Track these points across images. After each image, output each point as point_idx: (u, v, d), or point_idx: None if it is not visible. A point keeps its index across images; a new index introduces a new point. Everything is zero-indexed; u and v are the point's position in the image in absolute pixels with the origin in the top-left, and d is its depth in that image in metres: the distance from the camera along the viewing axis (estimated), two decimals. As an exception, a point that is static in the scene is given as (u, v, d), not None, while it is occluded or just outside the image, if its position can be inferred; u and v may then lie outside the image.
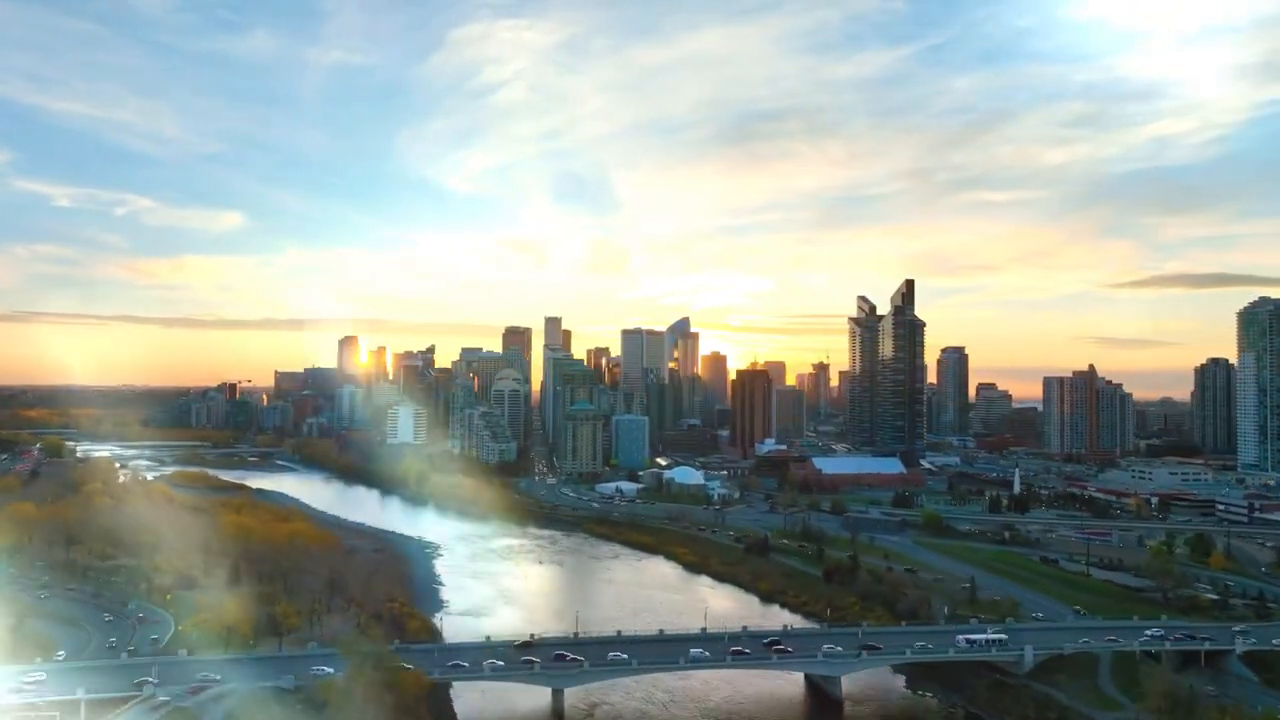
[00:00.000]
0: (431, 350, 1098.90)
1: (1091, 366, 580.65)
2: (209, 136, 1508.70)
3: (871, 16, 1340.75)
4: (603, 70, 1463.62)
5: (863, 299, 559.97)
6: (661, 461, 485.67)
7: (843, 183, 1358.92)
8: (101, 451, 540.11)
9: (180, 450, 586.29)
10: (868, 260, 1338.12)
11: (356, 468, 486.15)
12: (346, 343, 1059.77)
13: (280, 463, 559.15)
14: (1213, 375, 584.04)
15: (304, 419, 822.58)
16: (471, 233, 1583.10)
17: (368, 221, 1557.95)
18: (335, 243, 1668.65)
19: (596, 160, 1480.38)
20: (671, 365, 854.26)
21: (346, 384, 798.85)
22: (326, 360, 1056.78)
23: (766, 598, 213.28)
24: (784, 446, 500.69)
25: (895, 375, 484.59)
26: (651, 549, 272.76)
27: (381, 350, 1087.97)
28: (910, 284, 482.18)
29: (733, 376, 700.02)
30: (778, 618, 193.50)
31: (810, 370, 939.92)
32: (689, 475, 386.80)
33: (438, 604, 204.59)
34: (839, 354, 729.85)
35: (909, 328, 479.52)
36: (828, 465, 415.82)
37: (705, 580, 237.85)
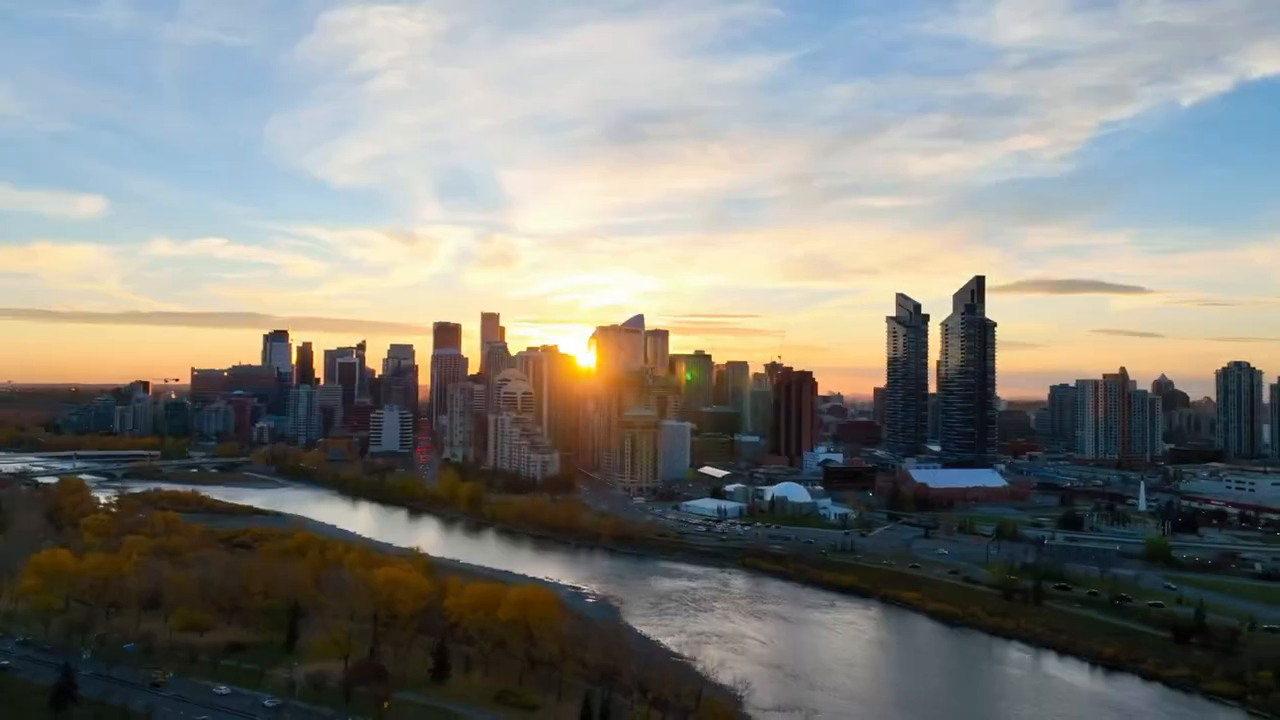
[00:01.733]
0: (362, 347, 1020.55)
1: (1123, 369, 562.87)
2: (54, 115, 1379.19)
3: (750, 22, 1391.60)
4: (484, 63, 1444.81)
5: (903, 297, 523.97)
6: (715, 472, 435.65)
7: (727, 185, 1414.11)
8: (12, 466, 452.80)
9: (122, 461, 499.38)
10: (753, 262, 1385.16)
11: (362, 483, 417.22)
12: (276, 339, 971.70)
13: (253, 475, 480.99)
14: (1235, 379, 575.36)
15: (249, 423, 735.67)
16: (353, 226, 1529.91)
17: (239, 211, 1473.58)
18: (205, 232, 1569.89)
19: (481, 155, 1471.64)
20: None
21: (301, 385, 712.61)
22: (246, 357, 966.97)
23: (1111, 666, 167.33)
24: (838, 456, 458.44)
25: (964, 379, 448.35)
26: (863, 591, 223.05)
27: (308, 346, 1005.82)
28: (980, 281, 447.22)
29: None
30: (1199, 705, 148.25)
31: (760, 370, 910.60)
32: (798, 492, 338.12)
33: (712, 688, 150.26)
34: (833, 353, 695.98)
35: (979, 328, 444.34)
36: (932, 478, 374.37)
37: (981, 637, 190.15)
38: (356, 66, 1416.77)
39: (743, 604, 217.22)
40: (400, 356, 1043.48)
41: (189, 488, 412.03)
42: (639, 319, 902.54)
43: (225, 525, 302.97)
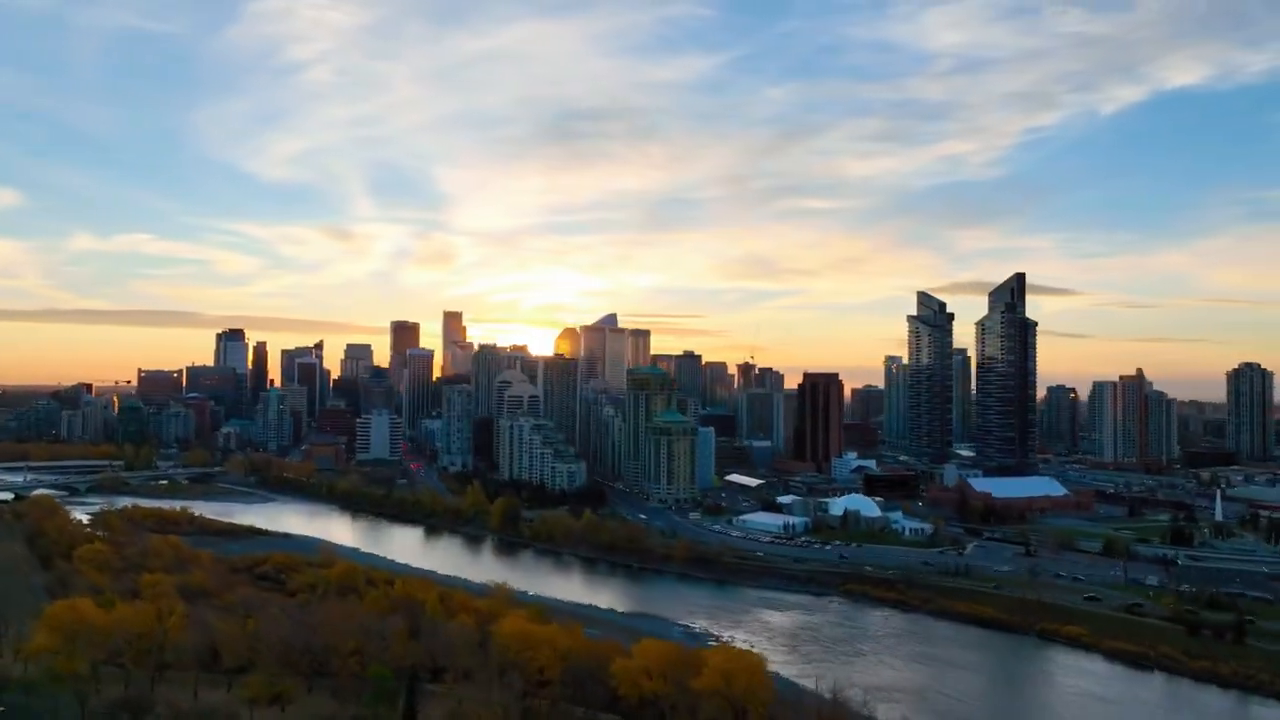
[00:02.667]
0: (320, 346, 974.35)
1: (1139, 371, 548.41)
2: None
3: (684, 22, 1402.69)
4: (415, 58, 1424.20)
5: (926, 296, 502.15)
6: (746, 481, 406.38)
7: (665, 185, 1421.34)
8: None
9: (82, 473, 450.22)
10: (693, 262, 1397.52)
11: (363, 496, 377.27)
12: (231, 338, 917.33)
13: (231, 486, 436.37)
14: (1248, 380, 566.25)
15: (210, 428, 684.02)
16: (286, 222, 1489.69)
17: (165, 205, 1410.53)
18: (129, 227, 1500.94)
19: (416, 151, 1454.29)
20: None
21: (271, 387, 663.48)
22: (183, 356, 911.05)
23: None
24: (871, 462, 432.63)
25: (1003, 379, 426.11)
26: (1007, 625, 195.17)
27: (262, 346, 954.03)
28: (1020, 279, 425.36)
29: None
30: None
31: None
32: (867, 506, 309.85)
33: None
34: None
35: (1020, 327, 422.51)
36: (995, 488, 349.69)
37: (1186, 683, 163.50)
38: (284, 58, 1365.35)
39: (887, 644, 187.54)
40: (358, 357, 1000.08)
41: (167, 503, 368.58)
42: (612, 318, 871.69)
43: (233, 550, 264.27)
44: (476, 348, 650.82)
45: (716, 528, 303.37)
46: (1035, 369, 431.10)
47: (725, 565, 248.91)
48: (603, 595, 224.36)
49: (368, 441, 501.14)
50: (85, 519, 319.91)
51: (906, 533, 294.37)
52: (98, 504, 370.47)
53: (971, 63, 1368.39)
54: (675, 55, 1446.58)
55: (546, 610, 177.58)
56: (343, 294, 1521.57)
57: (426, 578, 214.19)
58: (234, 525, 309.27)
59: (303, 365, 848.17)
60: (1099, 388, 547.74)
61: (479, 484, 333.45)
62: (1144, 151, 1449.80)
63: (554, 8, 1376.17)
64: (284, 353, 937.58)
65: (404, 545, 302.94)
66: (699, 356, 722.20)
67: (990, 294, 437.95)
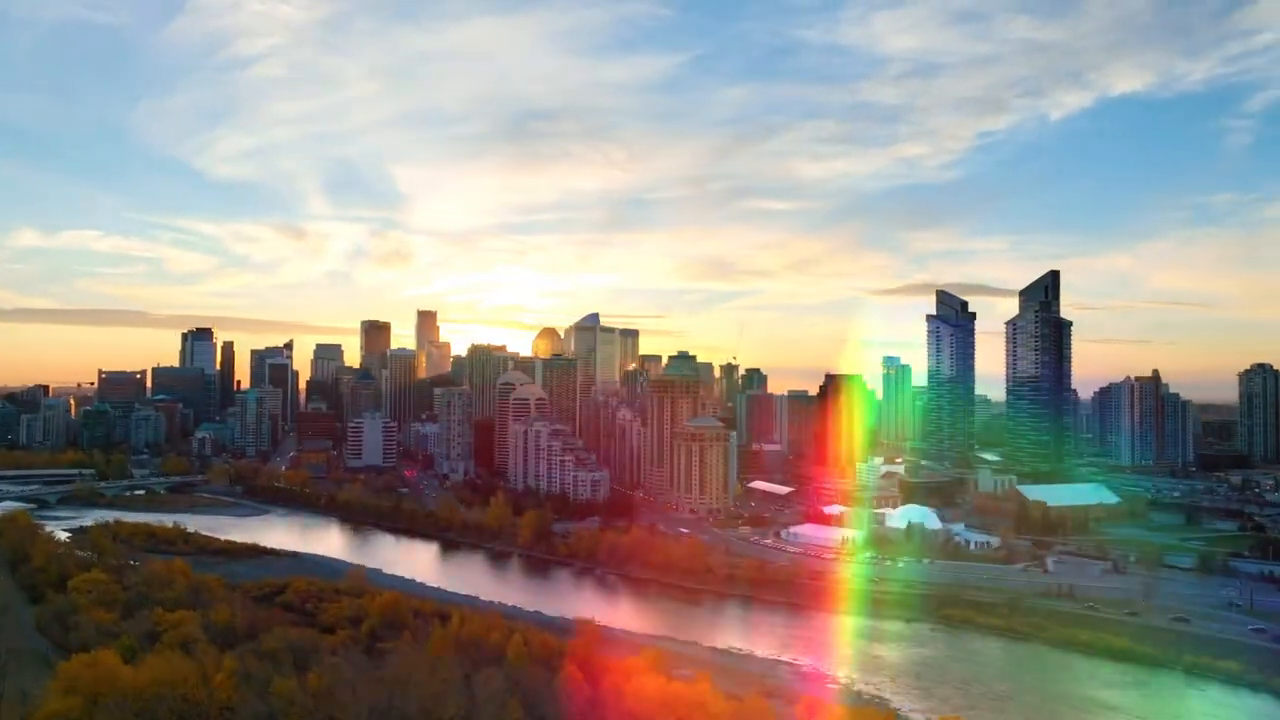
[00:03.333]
0: (289, 346, 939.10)
1: (1156, 372, 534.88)
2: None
3: (641, 21, 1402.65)
4: (368, 54, 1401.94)
5: (946, 294, 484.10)
6: (773, 488, 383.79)
7: (625, 186, 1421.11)
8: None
9: (51, 483, 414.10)
10: (652, 262, 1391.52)
11: (369, 508, 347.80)
12: (199, 337, 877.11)
13: (214, 496, 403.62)
14: (1260, 382, 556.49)
15: (180, 433, 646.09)
16: (238, 220, 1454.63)
17: (112, 201, 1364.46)
18: (76, 224, 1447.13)
19: (370, 149, 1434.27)
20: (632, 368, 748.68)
21: (251, 390, 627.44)
22: (139, 355, 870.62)
23: None
24: (899, 468, 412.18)
25: (1036, 383, 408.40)
26: (1142, 658, 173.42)
27: (230, 346, 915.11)
28: (1055, 277, 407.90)
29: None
30: None
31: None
32: (928, 517, 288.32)
33: None
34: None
35: (1054, 327, 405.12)
36: (1048, 496, 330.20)
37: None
38: (232, 52, 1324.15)
39: (1027, 683, 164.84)
40: (328, 357, 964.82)
41: (151, 517, 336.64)
42: (594, 317, 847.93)
43: (241, 574, 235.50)
44: (468, 348, 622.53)
45: (767, 542, 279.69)
46: (1071, 371, 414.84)
47: (799, 587, 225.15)
48: (675, 625, 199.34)
49: (359, 447, 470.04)
50: (65, 536, 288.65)
51: (972, 546, 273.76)
52: (73, 518, 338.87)
53: (923, 67, 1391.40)
54: (632, 55, 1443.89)
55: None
56: (299, 293, 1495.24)
57: (480, 607, 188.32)
58: (234, 543, 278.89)
59: (274, 366, 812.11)
60: (1116, 389, 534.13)
61: (502, 495, 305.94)
62: (1091, 156, 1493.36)
63: (509, 6, 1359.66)
64: (253, 353, 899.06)
65: (425, 565, 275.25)
66: (693, 357, 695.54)
67: (1021, 292, 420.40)
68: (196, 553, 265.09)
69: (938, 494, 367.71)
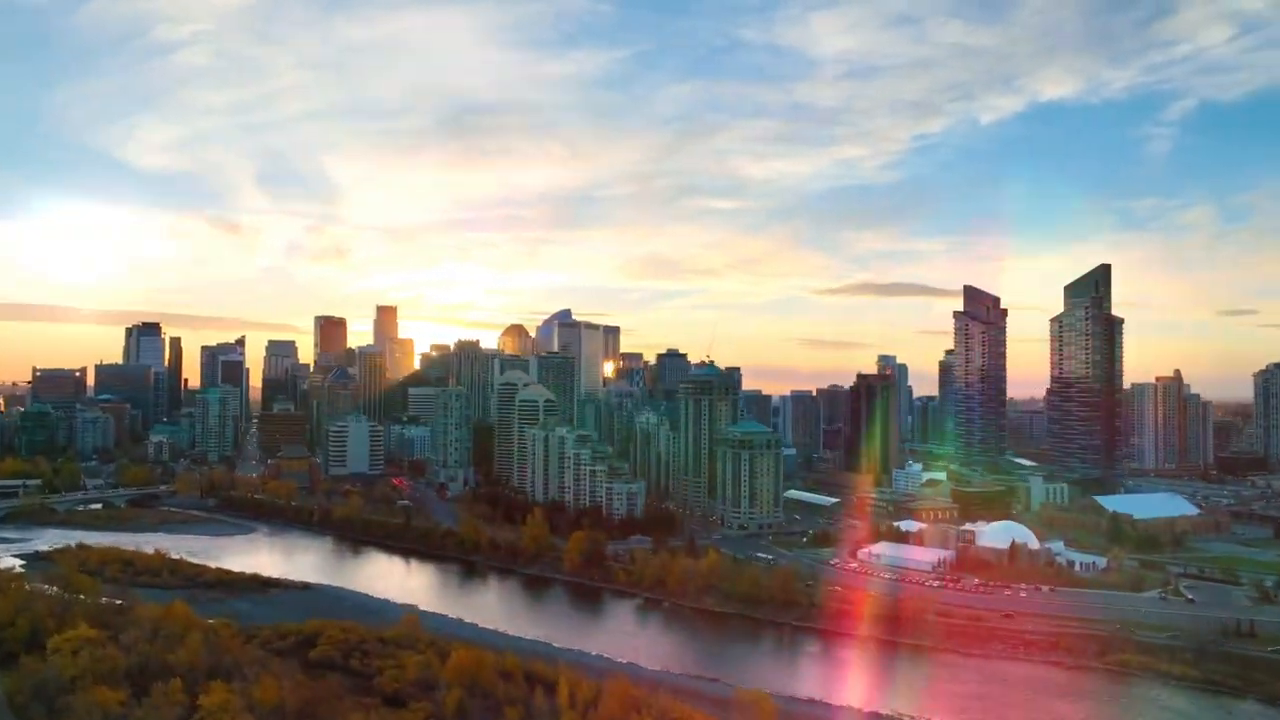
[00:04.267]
0: (241, 343, 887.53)
1: (1177, 372, 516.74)
2: None
3: (581, 16, 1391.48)
4: (300, 44, 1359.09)
5: (975, 290, 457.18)
6: (814, 499, 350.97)
7: (568, 182, 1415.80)
8: None
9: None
10: (598, 260, 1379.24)
11: (373, 526, 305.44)
12: (145, 333, 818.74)
13: (183, 510, 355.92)
14: (1277, 382, 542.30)
15: (128, 436, 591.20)
16: (167, 212, 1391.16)
17: (31, 190, 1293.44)
18: None
19: (305, 141, 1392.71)
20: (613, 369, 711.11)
21: (212, 389, 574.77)
22: (64, 353, 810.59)
23: None
24: (940, 474, 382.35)
25: (1086, 382, 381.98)
26: None
27: (178, 342, 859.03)
28: (1106, 271, 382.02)
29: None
30: None
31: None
32: (1021, 533, 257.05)
33: None
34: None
35: (1105, 324, 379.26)
36: (1128, 508, 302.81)
37: None
38: (153, 37, 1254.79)
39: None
40: (281, 354, 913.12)
41: (118, 538, 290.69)
42: (566, 313, 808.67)
43: (247, 613, 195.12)
44: (455, 344, 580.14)
45: (853, 565, 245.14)
46: (1122, 370, 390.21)
47: (925, 625, 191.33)
48: (797, 679, 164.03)
49: (342, 453, 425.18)
50: (18, 565, 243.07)
51: (1077, 567, 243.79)
52: (23, 540, 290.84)
53: (860, 69, 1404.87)
54: (573, 50, 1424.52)
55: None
56: (235, 289, 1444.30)
57: (584, 664, 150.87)
58: (229, 573, 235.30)
59: (227, 364, 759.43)
60: (1138, 391, 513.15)
61: (539, 513, 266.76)
62: (1023, 160, 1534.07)
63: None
64: (204, 350, 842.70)
65: (456, 596, 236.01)
66: (684, 355, 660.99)
67: (1067, 287, 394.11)
68: (187, 585, 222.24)
69: (993, 505, 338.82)
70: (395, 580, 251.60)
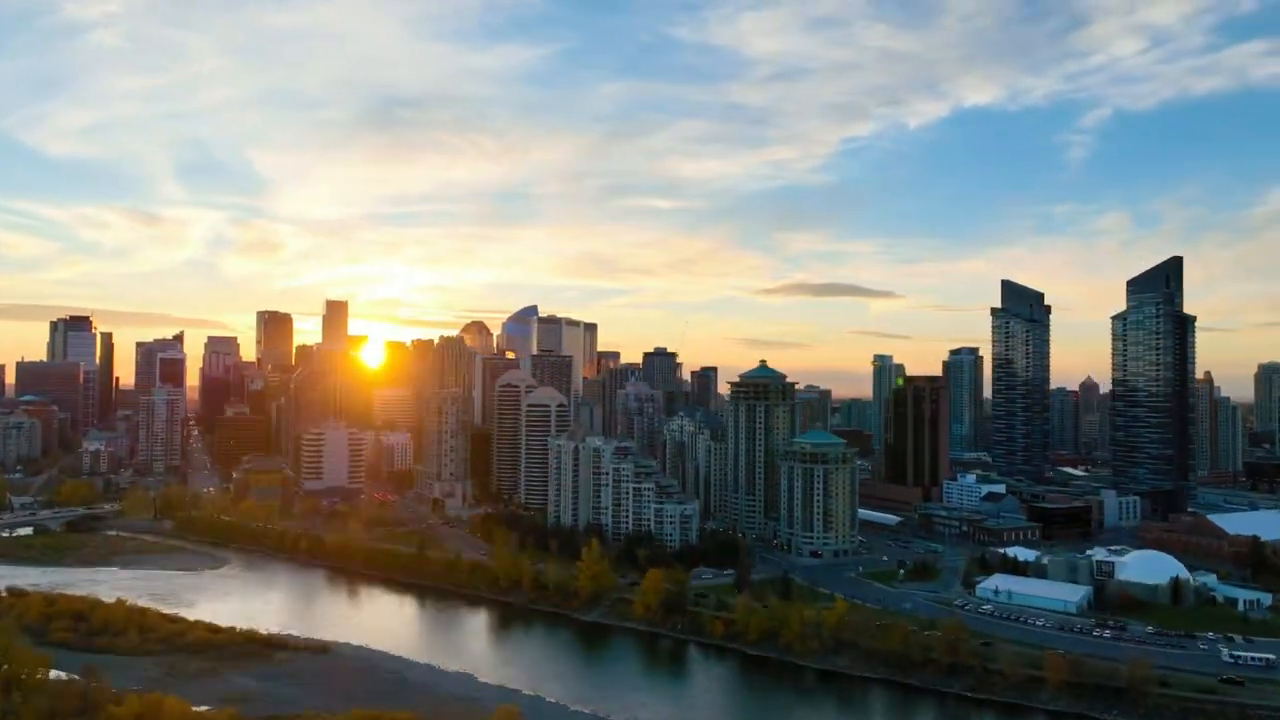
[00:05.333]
0: (180, 338, 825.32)
1: (1209, 374, 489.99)
2: None
3: (508, 9, 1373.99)
4: (217, 28, 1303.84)
5: (1013, 285, 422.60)
6: (877, 517, 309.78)
7: (500, 179, 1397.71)
8: None
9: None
10: (533, 258, 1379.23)
11: (378, 559, 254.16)
12: (74, 328, 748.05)
13: (133, 535, 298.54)
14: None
15: (60, 443, 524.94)
16: (81, 202, 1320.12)
17: None
18: None
19: (226, 131, 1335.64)
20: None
21: (156, 391, 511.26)
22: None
23: None
24: (1000, 486, 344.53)
25: (1155, 387, 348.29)
26: None
27: (109, 338, 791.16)
28: (1177, 264, 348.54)
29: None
30: None
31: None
32: (1170, 566, 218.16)
33: None
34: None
35: (1177, 323, 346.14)
36: (1231, 526, 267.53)
37: None
38: (61, 17, 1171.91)
39: None
40: (222, 351, 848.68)
41: (61, 576, 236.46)
42: (532, 309, 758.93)
43: (264, 694, 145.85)
44: (438, 341, 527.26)
45: (986, 609, 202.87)
46: (1195, 373, 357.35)
47: (1141, 698, 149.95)
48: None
49: (318, 464, 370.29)
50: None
51: (1240, 605, 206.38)
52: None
53: (789, 70, 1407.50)
54: (500, 43, 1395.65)
55: None
56: (157, 283, 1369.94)
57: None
58: (218, 629, 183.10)
59: (167, 361, 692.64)
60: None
61: (597, 546, 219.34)
62: (948, 164, 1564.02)
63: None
64: (139, 346, 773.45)
65: (515, 656, 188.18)
66: (673, 355, 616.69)
67: (1130, 282, 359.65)
68: (166, 651, 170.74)
69: (1076, 522, 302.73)
70: (426, 632, 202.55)
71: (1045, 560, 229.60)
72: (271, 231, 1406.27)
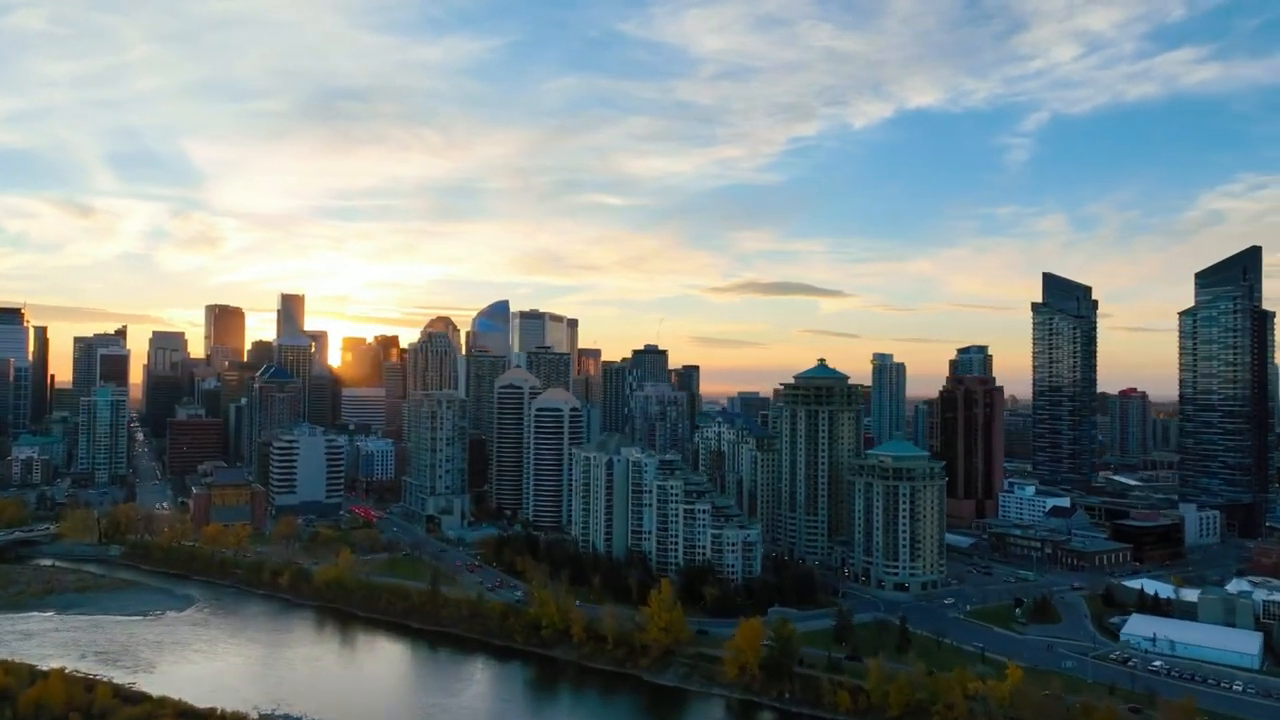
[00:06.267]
0: (123, 333, 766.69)
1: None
2: None
3: (451, 1, 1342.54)
4: (147, 14, 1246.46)
5: (1056, 278, 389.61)
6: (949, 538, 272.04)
7: (447, 173, 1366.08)
8: None
9: None
10: (483, 254, 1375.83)
11: (378, 598, 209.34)
12: (3, 321, 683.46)
13: (76, 567, 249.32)
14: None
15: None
16: (6, 192, 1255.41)
17: None
18: None
19: (159, 120, 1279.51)
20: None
21: (98, 391, 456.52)
22: None
23: None
24: (1064, 499, 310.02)
25: (1231, 390, 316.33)
26: None
27: (44, 331, 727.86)
28: (1256, 254, 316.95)
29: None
30: None
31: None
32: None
33: None
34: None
35: (1256, 319, 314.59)
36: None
37: None
38: None
39: None
40: (168, 347, 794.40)
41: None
42: (504, 305, 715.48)
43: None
44: (421, 335, 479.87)
45: (1158, 665, 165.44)
46: (1277, 375, 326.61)
47: None
48: None
49: (291, 476, 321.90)
50: None
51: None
52: None
53: (735, 69, 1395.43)
54: (444, 35, 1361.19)
55: None
56: (90, 276, 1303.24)
57: None
58: (189, 710, 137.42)
59: (109, 359, 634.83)
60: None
61: (668, 588, 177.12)
62: (893, 165, 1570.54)
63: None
64: (78, 341, 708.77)
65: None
66: (665, 353, 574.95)
67: (1198, 275, 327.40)
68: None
69: (1164, 542, 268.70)
70: (458, 702, 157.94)
71: (1193, 598, 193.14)
72: (211, 225, 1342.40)
